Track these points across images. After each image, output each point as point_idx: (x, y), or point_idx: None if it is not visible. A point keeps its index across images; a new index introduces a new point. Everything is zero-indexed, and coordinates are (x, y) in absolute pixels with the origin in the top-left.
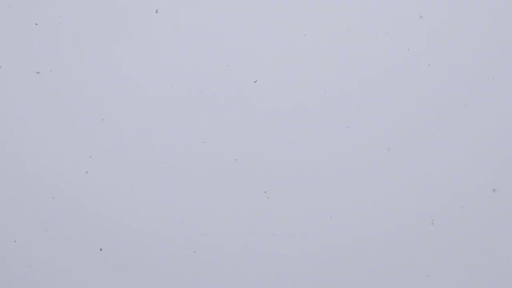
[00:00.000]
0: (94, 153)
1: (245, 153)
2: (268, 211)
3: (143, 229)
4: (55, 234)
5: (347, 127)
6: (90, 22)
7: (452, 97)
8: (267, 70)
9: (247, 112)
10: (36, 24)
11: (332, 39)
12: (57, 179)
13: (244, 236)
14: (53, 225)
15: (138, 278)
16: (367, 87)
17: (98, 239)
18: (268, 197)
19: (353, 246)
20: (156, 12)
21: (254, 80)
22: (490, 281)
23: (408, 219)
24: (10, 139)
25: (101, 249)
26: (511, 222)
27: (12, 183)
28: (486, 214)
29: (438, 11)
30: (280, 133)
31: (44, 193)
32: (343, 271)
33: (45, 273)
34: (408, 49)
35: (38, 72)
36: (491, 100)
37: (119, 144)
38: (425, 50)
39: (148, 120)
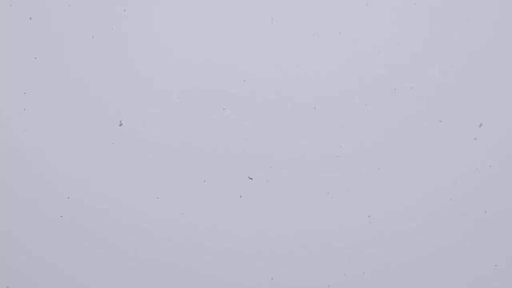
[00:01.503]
0: (99, 153)
1: (248, 152)
2: (270, 210)
3: (149, 229)
4: (60, 234)
5: (349, 128)
6: (94, 22)
7: (453, 99)
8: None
9: (250, 111)
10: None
11: (333, 40)
12: (64, 178)
13: (245, 236)
14: (59, 224)
15: (141, 278)
16: (367, 87)
17: (105, 239)
18: (270, 196)
19: (353, 246)
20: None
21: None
22: (492, 281)
23: (410, 220)
24: (17, 139)
25: (107, 250)
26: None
27: (19, 183)
28: (488, 215)
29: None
30: (283, 132)
31: (51, 193)
32: (343, 272)
33: (48, 273)
34: (410, 51)
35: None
36: (492, 101)
37: (126, 144)
38: (427, 51)
39: (154, 119)
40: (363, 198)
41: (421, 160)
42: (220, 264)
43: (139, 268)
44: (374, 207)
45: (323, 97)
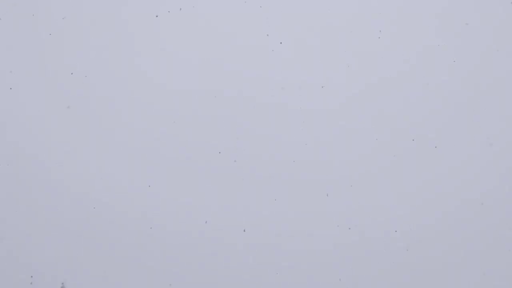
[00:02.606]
0: (106, 149)
1: (253, 152)
2: (274, 210)
3: (155, 226)
4: (70, 232)
5: (355, 130)
6: (97, 23)
7: (460, 103)
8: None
9: (255, 111)
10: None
11: (338, 43)
12: (71, 176)
13: (249, 235)
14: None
15: (148, 274)
16: (373, 92)
17: (114, 235)
18: (275, 198)
19: (355, 247)
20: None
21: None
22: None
23: (413, 223)
24: (26, 139)
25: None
26: None
27: (25, 181)
28: (494, 218)
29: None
30: (286, 133)
31: (58, 190)
32: (346, 272)
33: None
34: (416, 54)
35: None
36: (499, 106)
37: (133, 141)
38: (435, 56)
39: (161, 118)
40: (366, 199)
41: (425, 163)
42: (222, 260)
43: (146, 264)
44: (377, 209)
45: (326, 98)
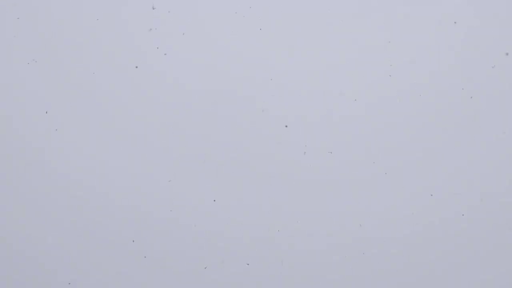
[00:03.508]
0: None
1: (258, 152)
2: (274, 209)
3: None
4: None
5: (360, 133)
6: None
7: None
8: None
9: (262, 113)
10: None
11: (347, 49)
12: (72, 178)
13: (249, 234)
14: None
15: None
16: (380, 95)
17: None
18: (275, 198)
19: (359, 247)
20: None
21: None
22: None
23: (415, 225)
24: (32, 136)
25: (133, 241)
26: None
27: (35, 178)
28: (496, 222)
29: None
30: (289, 136)
31: (66, 190)
32: (349, 272)
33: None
34: (428, 61)
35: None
36: (500, 109)
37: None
38: (443, 62)
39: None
40: (371, 201)
41: (429, 165)
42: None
43: (149, 258)
44: (377, 210)
45: (332, 97)
